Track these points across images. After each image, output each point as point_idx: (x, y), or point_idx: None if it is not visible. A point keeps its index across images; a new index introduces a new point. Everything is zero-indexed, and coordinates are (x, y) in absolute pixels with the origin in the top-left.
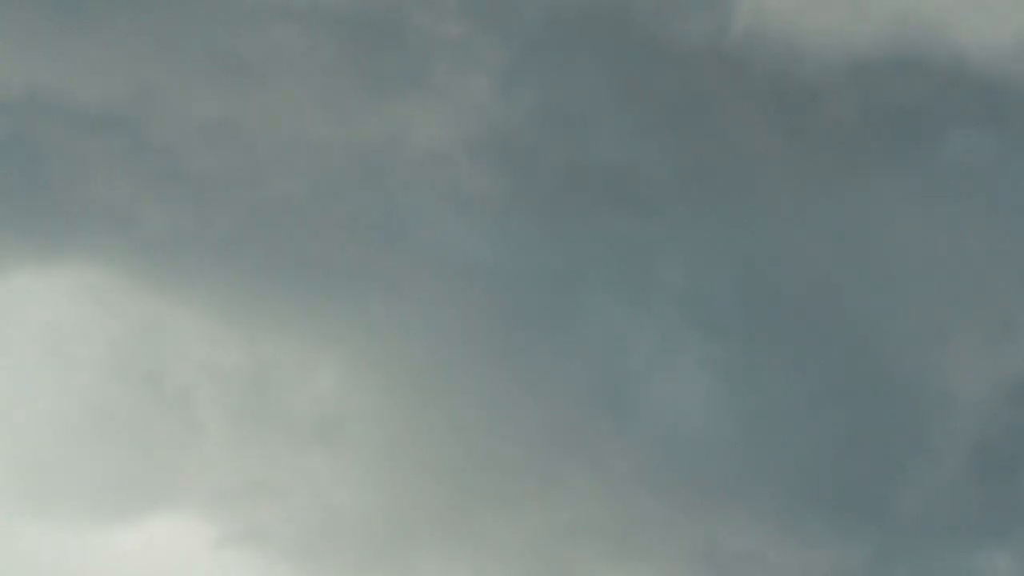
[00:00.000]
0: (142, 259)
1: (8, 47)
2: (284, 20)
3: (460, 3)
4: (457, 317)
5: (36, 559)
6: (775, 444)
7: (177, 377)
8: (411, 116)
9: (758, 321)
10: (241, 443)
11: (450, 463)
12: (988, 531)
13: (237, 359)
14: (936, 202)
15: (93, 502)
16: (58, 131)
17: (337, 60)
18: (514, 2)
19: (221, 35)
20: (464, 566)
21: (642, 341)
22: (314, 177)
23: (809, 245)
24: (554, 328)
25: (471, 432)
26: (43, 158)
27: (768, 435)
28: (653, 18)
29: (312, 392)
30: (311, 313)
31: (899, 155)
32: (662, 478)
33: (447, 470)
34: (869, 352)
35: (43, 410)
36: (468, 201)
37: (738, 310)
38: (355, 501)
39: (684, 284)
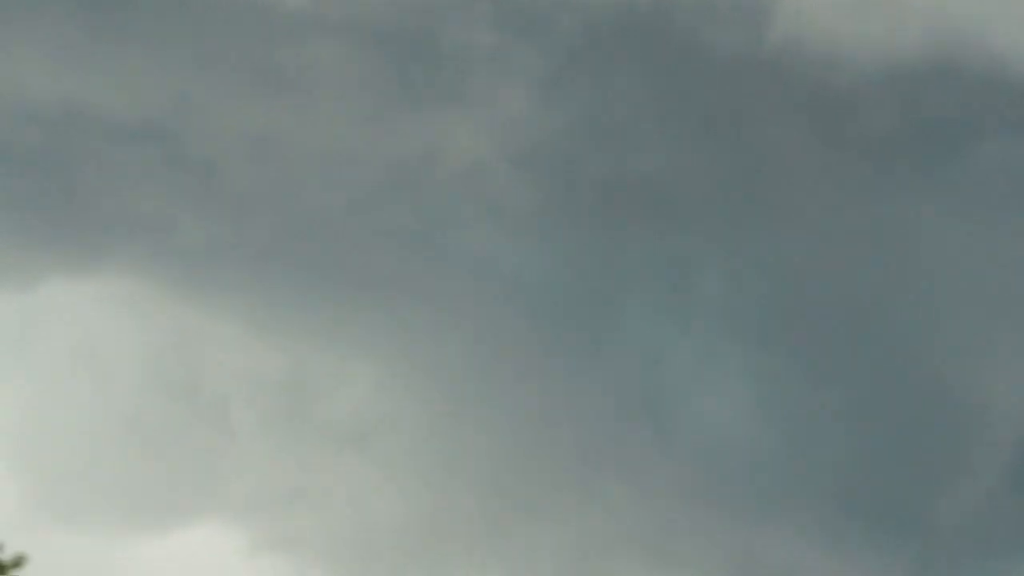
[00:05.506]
0: (178, 269)
1: (43, 58)
2: (321, 34)
3: (496, 14)
4: (494, 327)
5: (72, 568)
6: (814, 455)
7: (213, 386)
8: (449, 128)
9: (797, 333)
10: (276, 451)
11: (486, 471)
12: None
13: (273, 368)
14: (975, 211)
15: (129, 510)
16: (93, 142)
17: (374, 73)
18: (551, 12)
19: (259, 49)
20: (499, 575)
21: (681, 352)
22: (351, 188)
23: (848, 257)
24: (592, 339)
25: (508, 441)
26: (78, 169)
27: (807, 446)
28: (691, 28)
29: (347, 400)
30: (347, 322)
31: (938, 163)
32: (700, 489)
33: (482, 478)
34: (908, 364)
35: (78, 419)
36: (506, 213)
37: (777, 322)
38: (390, 508)
39: (723, 296)
